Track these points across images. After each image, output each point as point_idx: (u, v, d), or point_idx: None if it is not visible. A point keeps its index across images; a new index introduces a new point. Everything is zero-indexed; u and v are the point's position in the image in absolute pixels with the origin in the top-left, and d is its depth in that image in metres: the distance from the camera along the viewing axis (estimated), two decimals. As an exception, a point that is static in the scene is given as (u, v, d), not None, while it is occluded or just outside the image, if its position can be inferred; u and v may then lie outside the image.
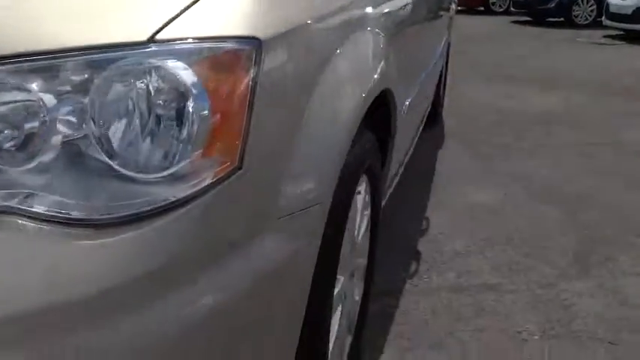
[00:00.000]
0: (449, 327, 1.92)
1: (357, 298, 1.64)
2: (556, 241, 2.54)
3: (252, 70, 0.86)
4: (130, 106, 0.77)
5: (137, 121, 0.77)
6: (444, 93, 4.34)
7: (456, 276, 2.24)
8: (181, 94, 0.79)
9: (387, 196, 2.10)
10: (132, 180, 0.79)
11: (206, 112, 0.79)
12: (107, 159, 0.78)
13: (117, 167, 0.78)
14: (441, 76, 3.86)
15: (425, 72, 2.45)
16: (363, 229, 1.55)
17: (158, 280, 0.77)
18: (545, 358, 1.78)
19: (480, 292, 2.13)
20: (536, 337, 1.88)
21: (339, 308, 1.39)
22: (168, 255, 0.77)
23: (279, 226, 0.94)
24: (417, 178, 3.20)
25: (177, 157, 0.79)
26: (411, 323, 1.94)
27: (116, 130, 0.77)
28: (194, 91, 0.79)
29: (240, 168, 0.86)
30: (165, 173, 0.79)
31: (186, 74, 0.79)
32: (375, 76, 1.27)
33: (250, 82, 0.86)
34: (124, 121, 0.78)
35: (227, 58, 0.84)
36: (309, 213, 0.98)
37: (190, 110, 0.79)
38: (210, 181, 0.81)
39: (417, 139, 2.78)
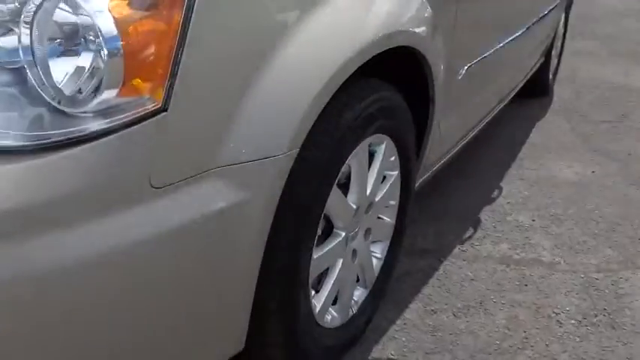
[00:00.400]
0: (482, 297, 1.77)
1: (379, 255, 1.55)
2: (633, 226, 2.22)
3: (181, 9, 0.79)
4: (53, 38, 0.75)
5: (55, 54, 0.74)
6: (558, 64, 3.90)
7: (509, 247, 2.04)
8: (94, 30, 0.75)
9: (441, 161, 1.95)
10: (57, 111, 0.77)
11: (119, 49, 0.75)
12: (39, 89, 0.76)
13: (46, 98, 0.77)
14: (552, 45, 3.45)
15: (510, 36, 2.18)
16: (384, 190, 1.44)
17: (64, 208, 0.75)
18: (573, 344, 1.58)
19: (529, 267, 1.93)
20: (572, 322, 1.68)
21: (340, 261, 1.32)
22: (72, 185, 0.74)
23: (220, 173, 0.88)
24: (504, 147, 2.94)
25: (93, 93, 0.76)
26: (445, 287, 1.81)
27: (41, 61, 0.75)
28: (106, 27, 0.75)
29: (165, 110, 0.80)
30: (85, 107, 0.76)
31: (99, 9, 0.75)
32: (381, 32, 1.13)
33: (180, 22, 0.79)
34: (46, 53, 0.75)
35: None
36: (259, 165, 0.91)
37: (102, 47, 0.75)
38: (127, 120, 0.77)
39: (497, 107, 2.53)
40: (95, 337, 0.83)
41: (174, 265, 0.87)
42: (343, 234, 1.30)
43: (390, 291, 1.74)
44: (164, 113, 0.81)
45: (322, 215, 1.16)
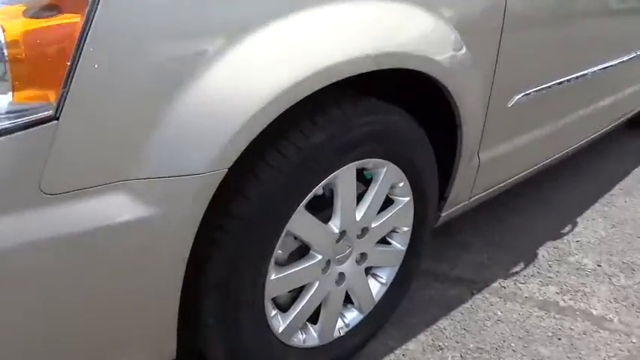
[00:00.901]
0: (502, 342, 1.51)
1: (384, 280, 1.38)
2: None
3: (81, 19, 0.72)
4: None
5: None
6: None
7: (557, 292, 1.73)
8: None
9: (483, 194, 1.68)
10: None
11: (4, 57, 0.70)
12: None
13: None
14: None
15: (595, 67, 1.82)
16: (388, 215, 1.27)
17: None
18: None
19: (572, 318, 1.62)
20: (599, 393, 1.37)
21: (317, 284, 1.18)
22: None
23: (127, 187, 0.80)
24: (595, 180, 2.53)
25: None
26: (464, 322, 1.58)
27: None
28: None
29: (56, 118, 0.74)
30: None
31: None
32: (352, 54, 0.95)
33: (78, 33, 0.72)
34: None
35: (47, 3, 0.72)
36: (173, 182, 0.82)
37: None
38: (18, 124, 0.72)
39: (580, 143, 2.14)
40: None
41: (71, 272, 0.80)
42: (320, 257, 1.17)
43: (402, 316, 1.56)
44: (55, 122, 0.75)
45: (281, 237, 1.04)
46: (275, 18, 0.87)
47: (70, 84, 0.73)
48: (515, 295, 1.73)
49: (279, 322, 1.16)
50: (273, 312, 1.14)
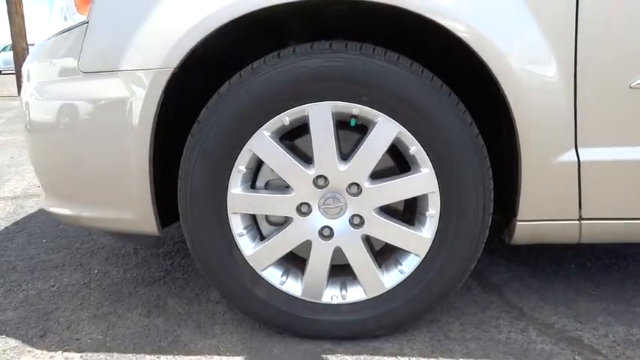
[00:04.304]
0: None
1: (404, 268, 1.18)
2: None
3: None
4: None
5: None
6: None
7: None
8: None
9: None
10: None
11: None
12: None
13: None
14: None
15: None
16: (386, 181, 1.12)
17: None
18: None
19: None
20: None
21: (293, 222, 1.16)
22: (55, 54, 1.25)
23: (121, 75, 1.13)
24: None
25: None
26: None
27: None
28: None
29: (87, 22, 1.15)
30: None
31: None
32: None
33: None
34: None
35: None
36: (140, 74, 1.11)
37: None
38: (73, 25, 1.19)
39: None
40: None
41: (84, 120, 1.17)
42: (293, 193, 1.14)
43: (422, 327, 1.25)
44: (86, 24, 1.16)
45: (240, 152, 1.11)
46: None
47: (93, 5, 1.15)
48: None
49: (248, 244, 1.18)
50: (240, 230, 1.17)
